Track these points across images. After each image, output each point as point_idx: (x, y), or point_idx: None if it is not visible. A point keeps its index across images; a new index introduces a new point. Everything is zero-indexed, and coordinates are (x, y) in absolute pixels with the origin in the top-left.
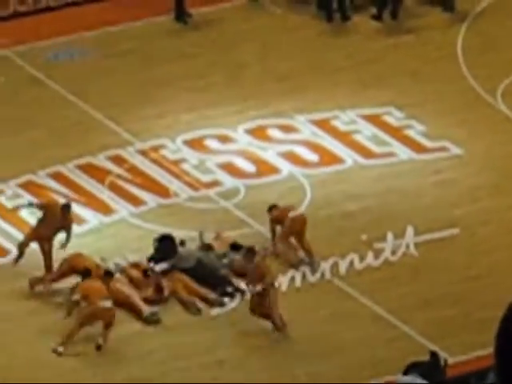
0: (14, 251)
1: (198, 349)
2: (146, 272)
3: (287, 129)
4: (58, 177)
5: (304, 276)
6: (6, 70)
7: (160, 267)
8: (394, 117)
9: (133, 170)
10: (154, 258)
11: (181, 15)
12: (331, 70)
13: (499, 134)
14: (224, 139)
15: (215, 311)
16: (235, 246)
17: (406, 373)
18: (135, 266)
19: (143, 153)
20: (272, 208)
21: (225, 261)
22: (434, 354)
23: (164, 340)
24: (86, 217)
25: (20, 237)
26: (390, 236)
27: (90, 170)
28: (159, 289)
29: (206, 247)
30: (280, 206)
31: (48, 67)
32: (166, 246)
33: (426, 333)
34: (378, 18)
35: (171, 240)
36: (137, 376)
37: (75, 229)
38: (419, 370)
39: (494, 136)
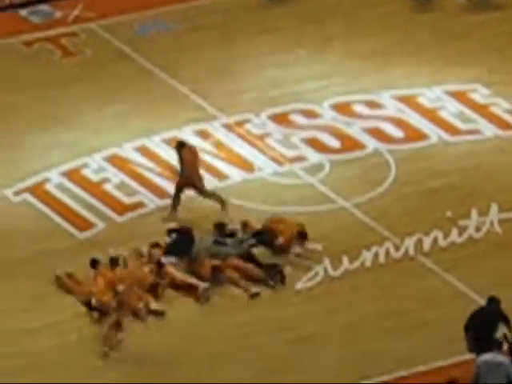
0: (100, 224)
1: (282, 324)
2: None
3: (372, 105)
4: (143, 150)
5: (387, 252)
6: (93, 43)
7: (167, 260)
8: (480, 94)
9: (218, 144)
10: (169, 251)
11: None
12: (416, 47)
13: None
14: (309, 114)
15: (299, 286)
16: (258, 233)
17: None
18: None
19: (228, 127)
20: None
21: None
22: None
23: (247, 315)
24: (170, 191)
25: (104, 210)
26: (474, 213)
27: (173, 143)
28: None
29: (228, 234)
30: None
31: (134, 41)
32: (182, 241)
33: (510, 310)
34: None
35: (189, 234)
36: (222, 350)
37: (159, 203)
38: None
39: None
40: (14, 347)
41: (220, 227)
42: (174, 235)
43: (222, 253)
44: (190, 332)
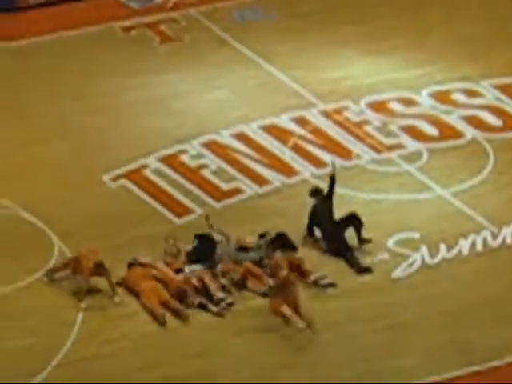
0: (198, 210)
1: (373, 312)
2: (178, 271)
3: (471, 93)
4: (241, 137)
5: (485, 241)
6: (191, 30)
7: (190, 269)
8: None
9: (316, 131)
10: (191, 258)
11: None
12: (470, 36)
13: None
14: (408, 103)
15: (396, 274)
16: (275, 239)
17: None
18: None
19: (326, 114)
20: None
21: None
22: None
23: (340, 303)
24: (268, 177)
25: (202, 196)
26: None
27: (274, 131)
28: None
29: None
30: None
31: (233, 28)
32: (204, 247)
33: None
34: None
35: (211, 241)
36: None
37: (258, 190)
38: None
39: None
40: (116, 331)
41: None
42: (195, 242)
43: (246, 258)
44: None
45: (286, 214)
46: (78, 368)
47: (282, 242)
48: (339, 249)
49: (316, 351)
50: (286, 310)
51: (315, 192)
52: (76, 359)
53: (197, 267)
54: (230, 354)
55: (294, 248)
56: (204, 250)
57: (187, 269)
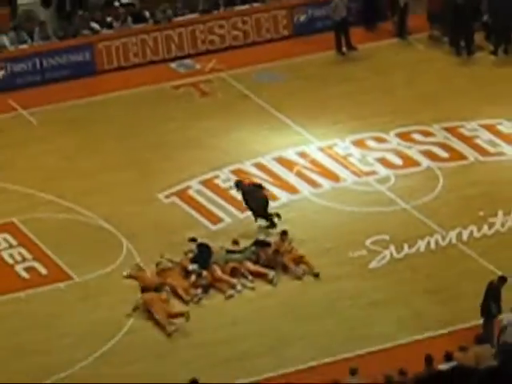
0: (227, 219)
1: (356, 293)
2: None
3: (426, 134)
4: (258, 166)
5: (436, 241)
6: (223, 87)
7: (192, 267)
8: (505, 126)
9: (313, 162)
10: (195, 260)
11: (349, 47)
12: (458, 91)
13: None
14: (379, 140)
15: (372, 265)
16: (259, 242)
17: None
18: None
19: (321, 149)
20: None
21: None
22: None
23: (330, 286)
24: (277, 195)
25: (230, 209)
26: (500, 213)
27: (282, 161)
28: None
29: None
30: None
31: (253, 86)
32: (203, 252)
33: None
34: (494, 53)
35: (207, 247)
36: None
37: (271, 204)
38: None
39: None
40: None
41: (234, 242)
42: (197, 249)
43: (235, 259)
44: (291, 300)
45: (291, 222)
46: (141, 335)
47: (260, 242)
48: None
49: (314, 323)
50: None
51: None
52: (139, 328)
53: (194, 266)
54: (255, 322)
55: (268, 244)
56: (204, 254)
57: (190, 266)
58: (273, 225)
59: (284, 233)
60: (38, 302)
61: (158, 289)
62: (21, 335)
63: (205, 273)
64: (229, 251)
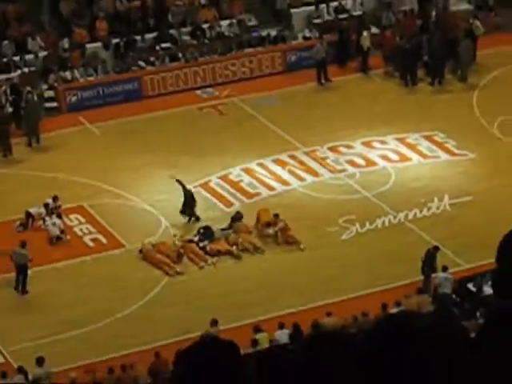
0: (237, 204)
1: (332, 257)
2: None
3: (382, 142)
4: (261, 165)
5: (390, 220)
6: (235, 109)
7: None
8: (439, 137)
9: (300, 162)
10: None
11: (327, 80)
12: (405, 112)
13: (489, 148)
14: (348, 147)
15: (343, 237)
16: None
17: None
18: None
19: (306, 153)
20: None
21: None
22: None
23: (311, 253)
24: (274, 187)
25: (240, 196)
26: (435, 200)
27: (278, 162)
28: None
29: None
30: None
31: (258, 108)
32: (207, 231)
33: (454, 251)
34: (431, 84)
35: (210, 228)
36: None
37: (269, 193)
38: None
39: (485, 148)
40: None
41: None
42: (203, 229)
43: (227, 234)
44: (282, 263)
45: (284, 206)
46: (174, 288)
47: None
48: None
49: (300, 279)
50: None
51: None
52: (172, 283)
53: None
54: (255, 279)
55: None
56: (207, 232)
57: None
58: (189, 221)
59: (276, 215)
60: (100, 264)
61: (179, 255)
62: (88, 289)
63: (209, 246)
64: (223, 229)
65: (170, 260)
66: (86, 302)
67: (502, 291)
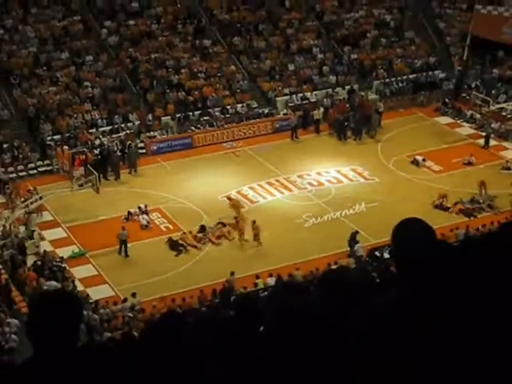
0: (246, 207)
1: (299, 239)
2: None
3: (327, 172)
4: (259, 185)
5: (332, 216)
6: (245, 154)
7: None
8: (359, 169)
9: (281, 183)
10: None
11: (297, 138)
12: (341, 155)
13: (387, 176)
14: (308, 175)
15: (305, 225)
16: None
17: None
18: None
19: (284, 178)
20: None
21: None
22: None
23: (290, 236)
24: (266, 196)
25: (247, 202)
26: (357, 204)
27: (269, 183)
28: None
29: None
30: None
31: (259, 152)
32: (203, 227)
33: (367, 233)
34: (355, 140)
35: (204, 226)
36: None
37: (263, 201)
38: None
39: (385, 176)
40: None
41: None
42: (200, 227)
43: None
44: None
45: (270, 208)
46: (204, 260)
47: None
48: None
49: (282, 249)
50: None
51: None
52: (202, 257)
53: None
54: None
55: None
56: (203, 228)
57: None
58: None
59: (254, 222)
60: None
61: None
62: (162, 254)
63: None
64: (219, 223)
65: (196, 242)
66: (161, 261)
67: (396, 261)
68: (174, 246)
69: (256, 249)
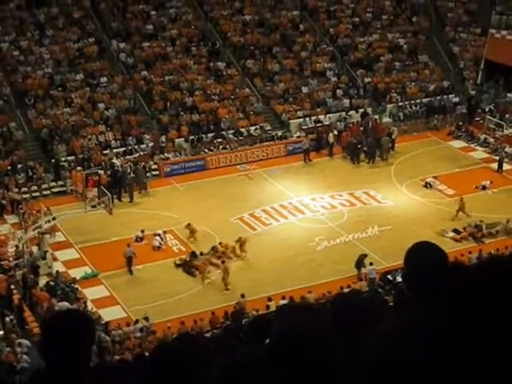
0: (259, 229)
1: (310, 260)
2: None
3: (340, 195)
4: (272, 208)
5: (344, 239)
6: (257, 175)
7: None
8: (372, 192)
9: (294, 206)
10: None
11: (309, 160)
12: (356, 178)
13: (400, 199)
14: (321, 197)
15: (318, 248)
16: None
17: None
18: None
19: (297, 201)
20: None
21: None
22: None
23: (301, 257)
24: (279, 219)
25: (259, 225)
26: (370, 227)
27: (282, 206)
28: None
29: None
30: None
31: (271, 175)
32: (193, 254)
33: (380, 256)
34: (368, 163)
35: (194, 253)
36: (283, 264)
37: (275, 224)
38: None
39: (397, 199)
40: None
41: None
42: (190, 254)
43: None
44: (283, 263)
45: (284, 230)
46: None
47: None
48: None
49: (295, 271)
50: None
51: None
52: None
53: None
54: (265, 273)
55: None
56: (194, 254)
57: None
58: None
59: (240, 239)
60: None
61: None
62: (173, 275)
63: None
64: (202, 254)
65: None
66: (172, 283)
67: (408, 285)
68: (186, 267)
69: (268, 272)
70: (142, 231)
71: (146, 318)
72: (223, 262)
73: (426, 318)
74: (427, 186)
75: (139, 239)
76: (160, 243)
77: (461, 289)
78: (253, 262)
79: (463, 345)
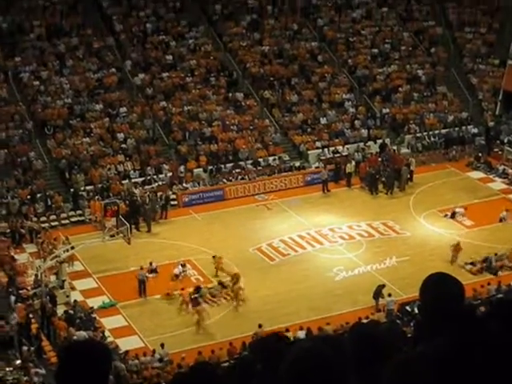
0: (277, 259)
1: (328, 290)
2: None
3: (358, 226)
4: (290, 238)
5: (363, 269)
6: (275, 206)
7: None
8: (390, 223)
9: (312, 237)
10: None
11: (328, 190)
12: (374, 209)
13: (418, 230)
14: (339, 228)
15: (336, 278)
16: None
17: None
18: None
19: (315, 231)
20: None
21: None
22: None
23: (310, 282)
24: (297, 249)
25: (277, 255)
26: (388, 258)
27: (300, 236)
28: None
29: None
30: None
31: (289, 206)
32: (199, 289)
33: (398, 287)
34: (386, 193)
35: (199, 287)
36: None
37: (293, 254)
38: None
39: (415, 230)
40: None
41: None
42: (196, 290)
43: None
44: (302, 292)
45: (302, 260)
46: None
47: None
48: None
49: (311, 302)
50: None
51: None
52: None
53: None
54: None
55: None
56: (200, 289)
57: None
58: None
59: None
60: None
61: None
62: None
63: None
64: (217, 284)
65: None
66: (190, 313)
67: (423, 316)
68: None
69: (286, 302)
70: (151, 263)
71: (162, 345)
72: (198, 303)
73: (439, 348)
74: (453, 215)
75: (152, 271)
76: (180, 272)
77: (473, 322)
78: (271, 292)
79: (474, 376)
